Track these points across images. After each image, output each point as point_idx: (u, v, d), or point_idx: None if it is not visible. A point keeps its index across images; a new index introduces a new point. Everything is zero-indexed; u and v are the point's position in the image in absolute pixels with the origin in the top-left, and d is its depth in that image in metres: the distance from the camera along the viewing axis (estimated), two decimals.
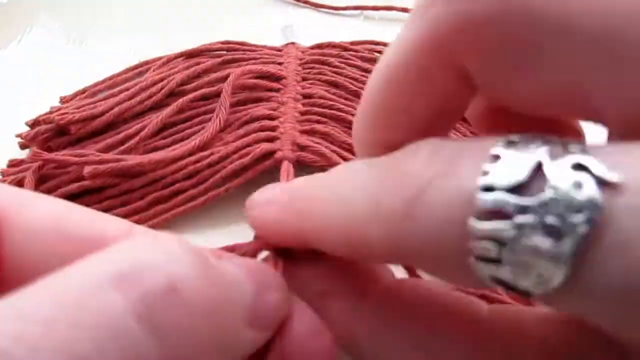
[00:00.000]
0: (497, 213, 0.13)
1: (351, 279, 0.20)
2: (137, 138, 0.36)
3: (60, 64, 0.46)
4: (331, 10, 0.52)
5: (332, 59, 0.42)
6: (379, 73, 0.18)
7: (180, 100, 0.38)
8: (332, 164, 0.33)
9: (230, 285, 0.16)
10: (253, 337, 0.16)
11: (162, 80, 0.41)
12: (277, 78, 0.40)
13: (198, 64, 0.43)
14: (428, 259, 0.15)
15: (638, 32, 0.12)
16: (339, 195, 0.17)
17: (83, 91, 0.43)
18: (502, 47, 0.14)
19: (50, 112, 0.39)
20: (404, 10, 0.51)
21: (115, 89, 0.42)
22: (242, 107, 0.38)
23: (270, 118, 0.37)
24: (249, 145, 0.34)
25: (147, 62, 0.46)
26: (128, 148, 0.36)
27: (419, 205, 0.14)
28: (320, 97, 0.38)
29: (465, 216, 0.13)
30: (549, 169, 0.12)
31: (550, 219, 0.12)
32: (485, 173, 0.13)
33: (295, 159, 0.34)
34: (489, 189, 0.13)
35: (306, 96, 0.39)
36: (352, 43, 0.46)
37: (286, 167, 0.33)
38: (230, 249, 0.20)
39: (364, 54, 0.44)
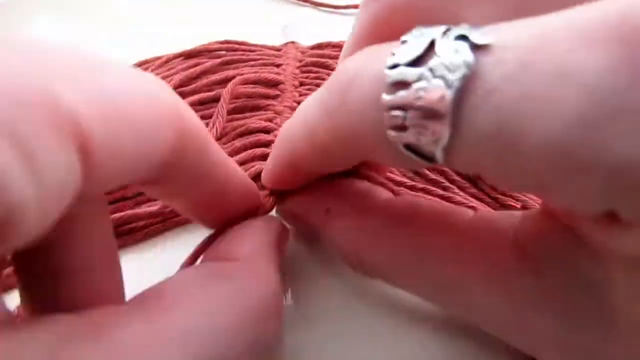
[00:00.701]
0: (400, 84, 0.15)
1: (351, 198, 0.24)
2: None
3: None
4: (331, 9, 0.52)
5: (330, 61, 0.42)
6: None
7: None
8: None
9: None
10: None
11: None
12: (275, 84, 0.40)
13: (197, 64, 0.43)
14: (360, 138, 0.18)
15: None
16: (299, 116, 0.21)
17: None
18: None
19: None
20: None
21: None
22: (239, 115, 0.38)
23: (266, 131, 0.37)
24: (244, 162, 0.34)
25: (146, 62, 0.46)
26: None
27: (349, 92, 0.17)
28: None
29: (379, 93, 0.16)
30: (438, 43, 0.15)
31: (435, 81, 0.15)
32: (393, 54, 0.16)
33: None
34: (394, 66, 0.16)
35: None
36: None
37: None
38: None
39: None
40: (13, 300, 0.20)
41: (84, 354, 0.13)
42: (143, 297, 0.17)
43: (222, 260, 0.21)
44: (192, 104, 0.39)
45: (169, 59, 0.44)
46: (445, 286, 0.21)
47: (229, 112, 0.38)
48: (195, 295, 0.17)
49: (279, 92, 0.40)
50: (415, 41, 0.16)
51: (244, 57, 0.44)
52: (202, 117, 0.38)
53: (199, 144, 0.19)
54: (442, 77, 0.14)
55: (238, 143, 0.36)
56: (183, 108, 0.18)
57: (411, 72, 0.15)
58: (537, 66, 0.13)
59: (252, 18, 0.51)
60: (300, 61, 0.43)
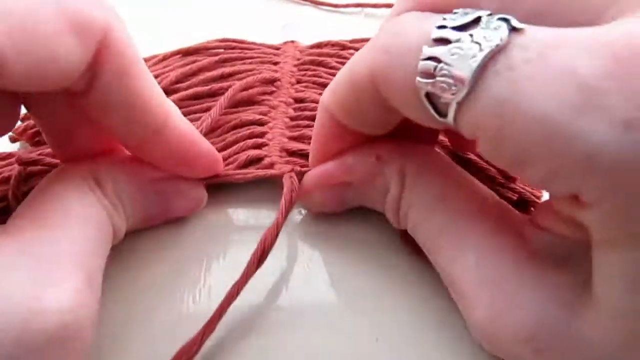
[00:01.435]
0: (442, 41, 0.19)
1: (400, 145, 0.27)
2: None
3: None
4: (332, 8, 0.51)
5: (328, 60, 0.41)
6: None
7: (171, 98, 0.38)
8: None
9: None
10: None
11: (156, 77, 0.41)
12: (271, 81, 0.39)
13: (195, 61, 0.42)
14: (392, 81, 0.21)
15: None
16: (348, 67, 0.25)
17: None
18: None
19: None
20: None
21: None
22: (233, 110, 0.37)
23: (260, 123, 0.36)
24: (236, 153, 0.34)
25: (144, 60, 0.45)
26: None
27: (395, 41, 0.20)
28: (312, 101, 0.37)
29: (421, 44, 0.19)
30: (484, 19, 0.18)
31: (471, 45, 0.18)
32: (444, 19, 0.19)
33: (292, 170, 0.32)
34: (442, 27, 0.19)
35: (298, 100, 0.38)
36: (352, 41, 0.45)
37: (289, 180, 0.31)
38: None
39: None
40: None
41: None
42: None
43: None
44: (187, 99, 0.38)
45: (167, 57, 0.44)
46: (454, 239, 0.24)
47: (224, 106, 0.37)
48: None
49: (275, 89, 0.39)
50: (464, 13, 0.19)
51: (242, 55, 0.43)
52: (196, 112, 0.38)
53: (120, 62, 0.22)
54: (478, 43, 0.18)
55: (231, 137, 0.35)
56: (115, 27, 0.22)
57: (454, 34, 0.19)
58: (550, 59, 0.17)
59: (252, 17, 0.50)
60: (299, 59, 0.42)
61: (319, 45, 0.45)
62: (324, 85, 0.39)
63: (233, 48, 0.44)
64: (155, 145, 0.26)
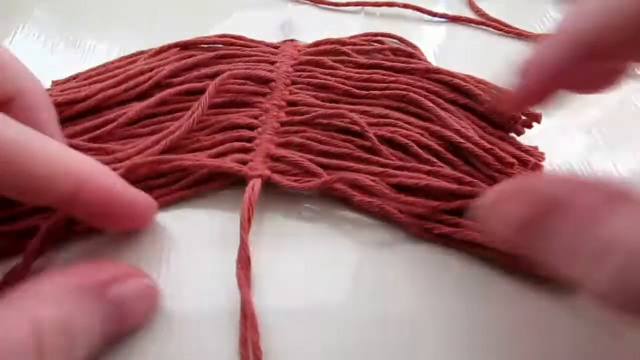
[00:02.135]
0: None
1: None
2: (114, 124, 0.36)
3: (54, 63, 0.45)
4: (332, 7, 0.51)
5: (325, 59, 0.41)
6: None
7: (164, 92, 0.37)
8: (305, 172, 0.33)
9: None
10: None
11: (151, 70, 0.40)
12: (266, 81, 0.39)
13: (191, 56, 0.42)
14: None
15: None
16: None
17: (75, 76, 0.43)
18: None
19: None
20: (405, 6, 0.49)
21: (102, 76, 0.42)
22: (225, 110, 0.37)
23: (250, 127, 0.36)
24: (222, 154, 0.34)
25: (142, 52, 0.45)
26: (104, 132, 0.35)
27: None
28: (305, 104, 0.37)
29: None
30: None
31: None
32: None
33: (266, 176, 0.32)
34: None
35: (290, 103, 0.37)
36: (351, 37, 0.45)
37: (252, 184, 0.31)
38: None
39: (362, 46, 0.43)
40: None
41: None
42: None
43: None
44: (179, 94, 0.38)
45: (163, 49, 0.43)
46: None
47: (217, 106, 0.37)
48: None
49: (269, 90, 0.39)
50: None
51: (239, 52, 0.43)
52: (187, 109, 0.38)
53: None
54: None
55: (220, 136, 0.35)
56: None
57: None
58: None
59: (250, 15, 0.50)
60: (296, 60, 0.42)
61: (317, 44, 0.44)
62: (318, 86, 0.39)
63: (232, 44, 0.44)
64: (73, 209, 0.25)
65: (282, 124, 0.36)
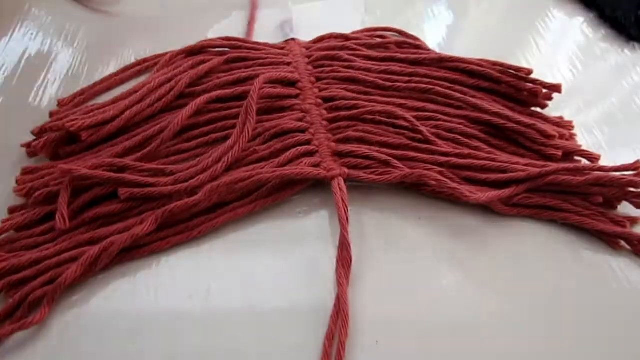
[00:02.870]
0: None
1: None
2: (158, 140, 0.34)
3: (53, 62, 0.43)
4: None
5: (340, 53, 0.42)
6: None
7: (198, 100, 0.37)
8: (381, 163, 0.34)
9: None
10: None
11: (169, 81, 0.39)
12: (292, 82, 0.39)
13: (201, 61, 0.41)
14: None
15: None
16: None
17: (81, 93, 0.41)
18: None
19: (57, 119, 0.36)
20: None
21: (119, 91, 0.40)
22: (266, 117, 0.37)
23: (301, 130, 0.36)
24: (291, 160, 0.34)
25: (144, 60, 0.43)
26: (151, 151, 0.34)
27: None
28: (342, 99, 0.38)
29: None
30: None
31: None
32: None
33: (345, 173, 0.33)
34: None
35: (327, 100, 0.38)
36: (353, 33, 0.46)
37: (336, 184, 0.32)
38: None
39: (367, 40, 0.44)
40: None
41: None
42: None
43: None
44: (210, 102, 0.37)
45: (172, 57, 0.42)
46: None
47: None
48: None
49: (298, 91, 0.39)
50: None
51: (249, 55, 0.43)
52: (226, 117, 0.37)
53: None
54: None
55: (277, 145, 0.35)
56: None
57: None
58: None
59: (246, 15, 0.49)
60: (309, 57, 0.42)
61: (321, 39, 0.45)
62: (345, 79, 0.40)
63: (238, 47, 0.44)
64: None
65: (330, 121, 0.37)
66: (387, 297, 0.29)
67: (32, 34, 0.45)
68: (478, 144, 0.35)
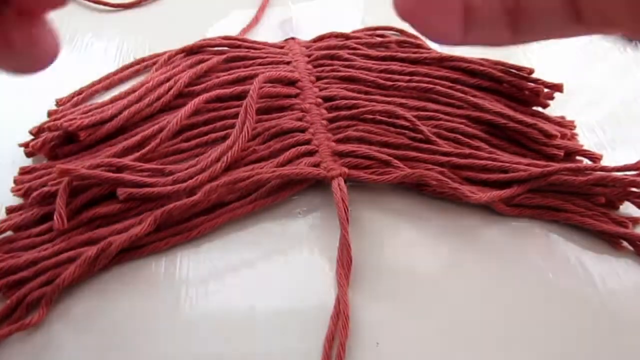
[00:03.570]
0: None
1: None
2: (157, 139, 0.34)
3: None
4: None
5: (340, 52, 0.42)
6: None
7: (196, 99, 0.36)
8: (381, 163, 0.33)
9: None
10: None
11: (167, 80, 0.39)
12: (292, 82, 0.39)
13: (200, 61, 0.41)
14: None
15: None
16: None
17: (79, 92, 0.40)
18: None
19: (55, 119, 0.36)
20: None
21: (117, 90, 0.40)
22: (266, 116, 0.37)
23: (300, 130, 0.36)
24: (290, 160, 0.33)
25: (143, 60, 0.43)
26: (149, 150, 0.34)
27: None
28: (343, 98, 0.37)
29: None
30: None
31: None
32: None
33: (345, 173, 0.33)
34: None
35: (327, 99, 0.38)
36: (354, 32, 0.46)
37: (336, 184, 0.32)
38: None
39: (367, 40, 0.44)
40: None
41: None
42: None
43: None
44: (209, 101, 0.37)
45: (171, 56, 0.42)
46: None
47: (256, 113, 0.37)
48: None
49: (298, 90, 0.39)
50: None
51: (248, 54, 0.42)
52: (225, 116, 0.37)
53: None
54: None
55: (277, 144, 0.35)
56: None
57: None
58: None
59: (246, 14, 0.49)
60: (309, 56, 0.42)
61: (321, 39, 0.45)
62: (345, 79, 0.39)
63: (237, 47, 0.43)
64: None
65: (330, 120, 0.37)
66: (387, 298, 0.29)
67: None
68: (479, 144, 0.35)
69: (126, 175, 0.31)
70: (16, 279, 0.29)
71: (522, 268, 0.30)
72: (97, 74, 0.42)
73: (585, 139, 0.38)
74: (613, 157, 0.36)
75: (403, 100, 0.38)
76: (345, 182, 0.32)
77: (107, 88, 0.41)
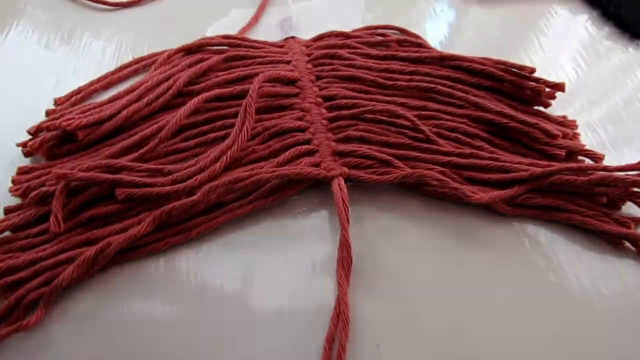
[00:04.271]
0: None
1: None
2: (156, 139, 0.34)
3: (49, 60, 0.43)
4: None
5: (341, 52, 0.41)
6: None
7: (196, 99, 0.36)
8: (380, 163, 0.33)
9: None
10: None
11: (167, 79, 0.39)
12: (291, 81, 0.39)
13: (200, 60, 0.41)
14: None
15: None
16: None
17: (78, 92, 0.40)
18: None
19: (53, 118, 0.36)
20: None
21: (115, 90, 0.39)
22: (266, 116, 0.37)
23: (300, 129, 0.35)
24: (290, 160, 0.33)
25: (142, 59, 0.43)
26: (148, 150, 0.34)
27: None
28: (343, 98, 0.37)
29: None
30: None
31: None
32: None
33: (345, 173, 0.33)
34: None
35: (327, 98, 0.38)
36: (354, 31, 0.46)
37: (336, 184, 0.32)
38: None
39: (368, 39, 0.43)
40: None
41: None
42: None
43: None
44: (209, 100, 0.37)
45: (170, 56, 0.42)
46: None
47: (255, 112, 0.36)
48: None
49: (298, 89, 0.39)
50: None
51: (248, 53, 0.42)
52: (225, 115, 0.37)
53: None
54: None
55: (277, 144, 0.35)
56: None
57: None
58: None
59: (245, 13, 0.49)
60: (309, 55, 0.42)
61: (321, 37, 0.45)
62: (345, 78, 0.39)
63: (237, 45, 0.43)
64: None
65: (330, 120, 0.36)
66: (387, 299, 0.29)
67: (28, 32, 0.45)
68: (480, 143, 0.35)
69: (124, 176, 0.31)
70: (14, 279, 0.28)
71: (523, 268, 0.30)
72: (95, 73, 0.42)
73: (588, 138, 0.38)
74: (616, 156, 0.36)
75: (404, 100, 0.37)
76: (345, 182, 0.32)
77: (106, 87, 0.41)
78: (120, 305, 0.28)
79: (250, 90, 0.35)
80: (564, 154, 0.34)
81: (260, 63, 0.41)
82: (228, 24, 0.46)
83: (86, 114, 0.36)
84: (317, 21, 0.47)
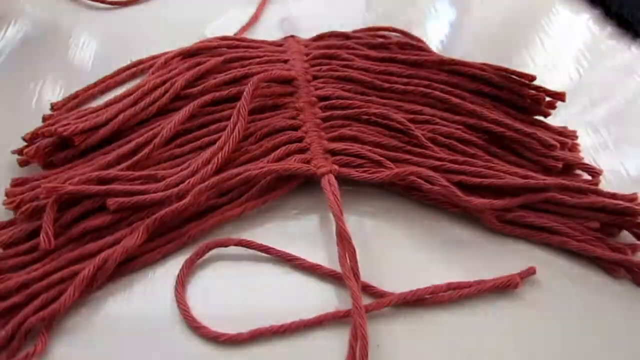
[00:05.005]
0: None
1: None
2: (150, 146, 0.34)
3: (48, 60, 0.43)
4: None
5: (339, 52, 0.41)
6: None
7: (191, 105, 0.36)
8: (370, 162, 0.33)
9: None
10: None
11: (164, 83, 0.38)
12: (287, 80, 0.39)
13: (198, 63, 0.40)
14: None
15: None
16: None
17: (75, 96, 0.40)
18: None
19: (50, 124, 0.35)
20: None
21: (113, 94, 0.39)
22: (260, 116, 0.36)
23: (293, 128, 0.35)
24: (280, 158, 0.33)
25: (140, 62, 0.43)
26: (142, 158, 0.33)
27: None
28: (338, 98, 0.37)
29: None
30: None
31: None
32: None
33: (336, 170, 0.33)
34: None
35: (322, 98, 0.37)
36: (355, 31, 0.45)
37: (326, 180, 0.32)
38: None
39: (369, 40, 0.43)
40: None
41: None
42: None
43: None
44: (205, 105, 0.37)
45: (168, 59, 0.41)
46: None
47: (249, 113, 0.36)
48: None
49: (294, 88, 0.38)
50: None
51: (247, 54, 0.42)
52: (220, 119, 0.37)
53: None
54: None
55: (268, 143, 0.34)
56: None
57: None
58: None
59: (244, 13, 0.48)
60: (307, 55, 0.41)
61: (321, 37, 0.44)
62: (341, 79, 0.39)
63: (235, 47, 0.43)
64: None
65: (323, 119, 0.36)
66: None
67: (26, 31, 0.45)
68: (475, 151, 0.34)
69: (116, 186, 0.31)
70: (8, 305, 0.27)
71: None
72: (94, 73, 0.42)
73: (590, 138, 0.38)
74: (618, 156, 0.36)
75: (399, 103, 0.37)
76: (336, 179, 0.32)
77: (104, 91, 0.41)
78: (119, 310, 0.28)
79: (245, 93, 0.35)
80: (560, 165, 0.33)
81: (258, 63, 0.41)
82: (227, 23, 0.46)
83: (82, 119, 0.36)
84: (317, 20, 0.47)
